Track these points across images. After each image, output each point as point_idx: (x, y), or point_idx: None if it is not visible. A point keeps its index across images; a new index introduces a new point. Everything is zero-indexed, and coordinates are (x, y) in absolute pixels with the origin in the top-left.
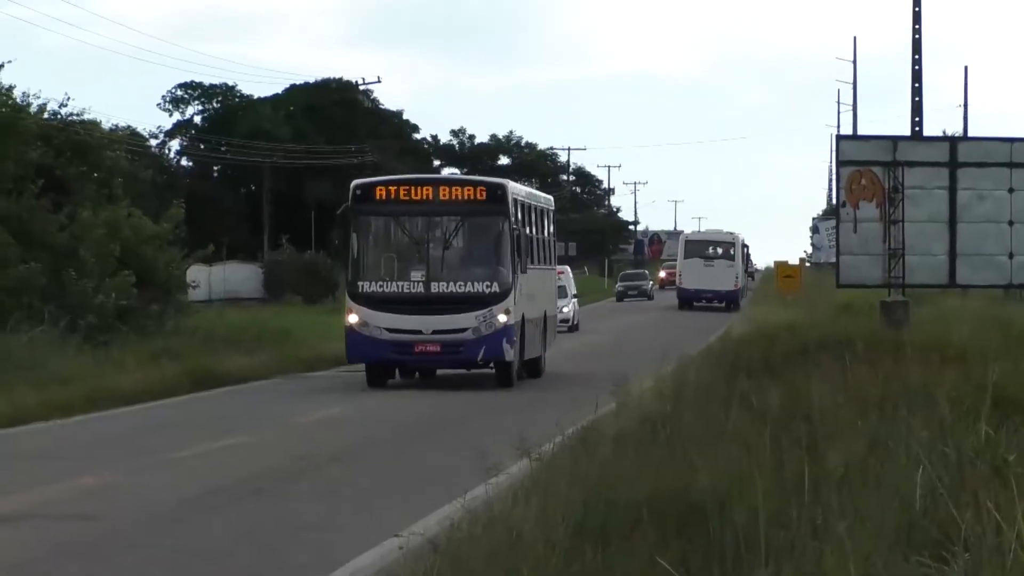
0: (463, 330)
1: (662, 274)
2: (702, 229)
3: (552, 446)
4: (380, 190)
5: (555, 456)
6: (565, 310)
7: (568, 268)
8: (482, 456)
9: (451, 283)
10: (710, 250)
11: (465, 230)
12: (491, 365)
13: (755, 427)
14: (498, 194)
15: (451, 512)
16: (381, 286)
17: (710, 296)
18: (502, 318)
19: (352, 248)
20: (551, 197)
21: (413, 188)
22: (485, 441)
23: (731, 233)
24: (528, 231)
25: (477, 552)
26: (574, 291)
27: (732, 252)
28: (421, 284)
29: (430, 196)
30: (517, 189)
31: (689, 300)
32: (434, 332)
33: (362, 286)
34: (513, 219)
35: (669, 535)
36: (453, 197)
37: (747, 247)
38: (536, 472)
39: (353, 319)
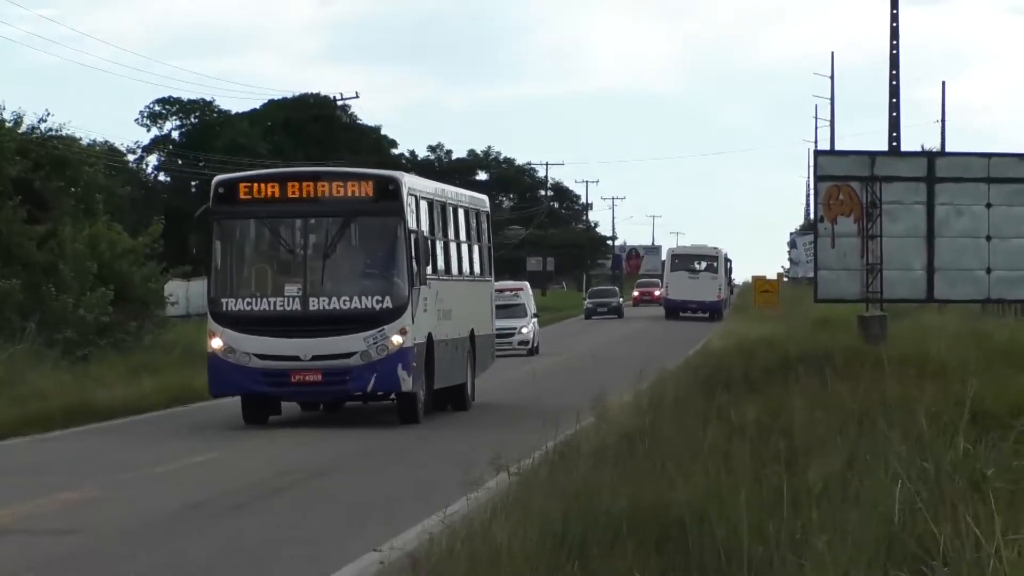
0: (349, 355)
1: (636, 292)
2: (684, 244)
3: (531, 460)
4: (246, 187)
5: (534, 470)
6: (524, 331)
7: (527, 285)
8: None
9: (334, 299)
10: (695, 263)
11: (351, 234)
12: (393, 397)
13: (734, 442)
14: (390, 189)
15: (430, 527)
16: (249, 304)
17: (695, 306)
18: (397, 339)
19: (214, 258)
20: (484, 198)
21: (286, 184)
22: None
23: (715, 248)
24: (445, 235)
25: (456, 567)
26: (534, 310)
27: (715, 265)
28: (297, 300)
29: (308, 193)
30: (419, 184)
31: (675, 310)
32: (314, 358)
33: (226, 304)
34: (411, 219)
35: (648, 550)
36: (335, 194)
37: (730, 261)
38: (515, 487)
39: (216, 344)
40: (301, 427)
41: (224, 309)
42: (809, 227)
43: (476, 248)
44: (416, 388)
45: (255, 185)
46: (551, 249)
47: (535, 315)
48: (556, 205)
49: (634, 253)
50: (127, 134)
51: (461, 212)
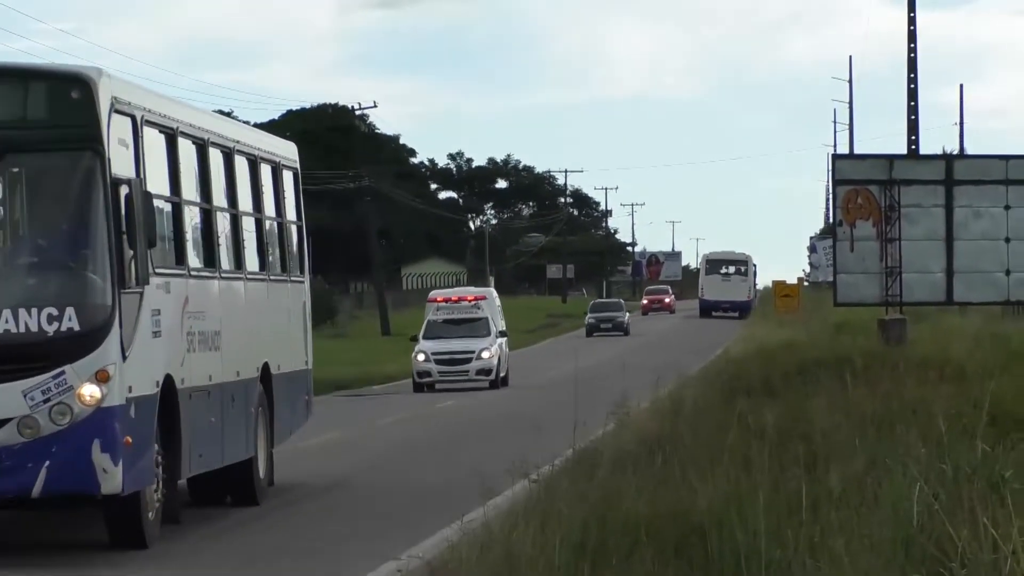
0: None
1: (645, 300)
2: (715, 250)
3: (551, 467)
4: None
5: (553, 477)
6: (485, 355)
7: (493, 292)
8: None
9: None
10: (726, 267)
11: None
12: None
13: (754, 447)
14: (73, 99)
15: (449, 535)
16: None
17: (727, 306)
18: (91, 391)
19: None
20: (292, 146)
21: None
22: None
23: (744, 253)
24: (206, 197)
25: (475, 574)
26: (501, 326)
27: (745, 269)
28: None
29: None
30: (145, 100)
31: (709, 310)
32: None
33: None
34: (120, 159)
35: (668, 555)
36: None
37: (755, 266)
38: (534, 494)
39: None
40: (321, 439)
41: None
42: (829, 231)
43: (274, 227)
44: (134, 484)
45: None
46: (571, 256)
47: (502, 334)
48: (576, 212)
49: (654, 259)
50: None
51: (242, 162)
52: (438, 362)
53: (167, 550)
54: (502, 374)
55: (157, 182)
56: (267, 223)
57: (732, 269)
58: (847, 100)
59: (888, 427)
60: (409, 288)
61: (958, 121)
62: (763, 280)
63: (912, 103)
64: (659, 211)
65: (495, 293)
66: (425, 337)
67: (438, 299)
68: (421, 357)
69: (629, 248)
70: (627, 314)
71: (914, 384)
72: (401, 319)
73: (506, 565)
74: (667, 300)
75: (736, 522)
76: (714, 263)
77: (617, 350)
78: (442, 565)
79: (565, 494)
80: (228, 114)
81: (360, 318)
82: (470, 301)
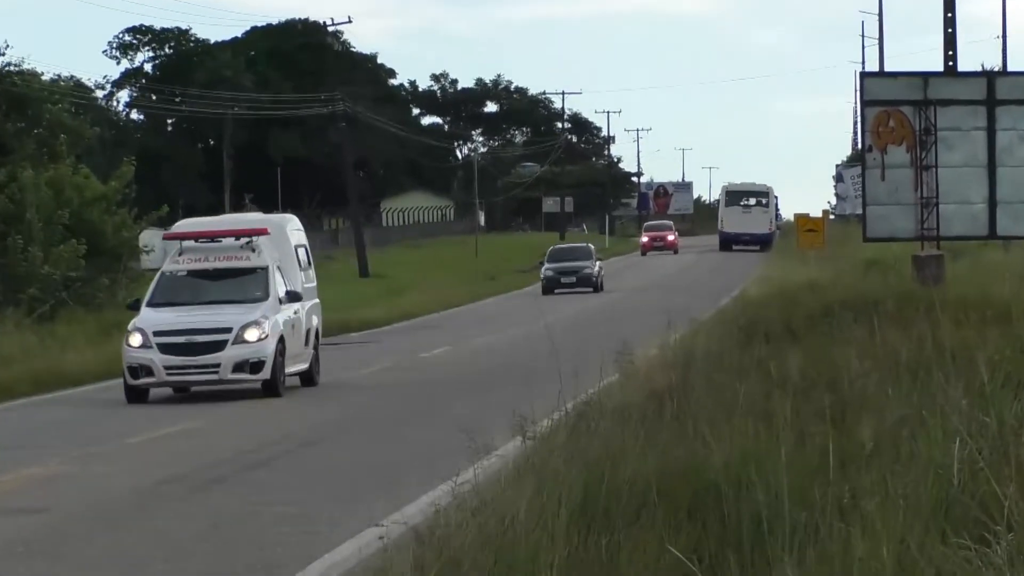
0: None
1: (644, 238)
2: (735, 181)
3: (548, 422)
4: None
5: (551, 433)
6: (251, 336)
7: (287, 223)
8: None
9: None
10: (747, 199)
11: None
12: None
13: (774, 398)
14: None
15: (437, 498)
16: None
17: (748, 239)
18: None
19: None
20: None
21: None
22: None
23: (765, 184)
24: None
25: (466, 542)
26: (287, 288)
27: (766, 201)
28: None
29: None
30: None
31: (729, 243)
32: None
33: None
34: None
35: (680, 519)
36: None
37: (776, 197)
38: (530, 452)
39: None
40: (293, 394)
41: None
42: (857, 158)
43: None
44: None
45: None
46: (570, 188)
47: (292, 298)
48: (574, 139)
49: (662, 190)
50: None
51: None
52: (165, 349)
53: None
54: (310, 373)
55: None
56: None
57: (753, 201)
58: (876, 11)
59: (924, 375)
60: (390, 224)
61: (1000, 34)
62: (785, 214)
63: (949, 14)
64: (667, 137)
65: (291, 225)
66: (151, 304)
67: (181, 234)
68: (136, 340)
69: (634, 179)
70: (598, 263)
71: (952, 327)
72: (381, 259)
73: (499, 531)
74: (670, 238)
75: (756, 481)
76: (733, 195)
77: (596, 304)
78: (429, 532)
79: (564, 452)
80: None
81: (335, 258)
82: (237, 240)
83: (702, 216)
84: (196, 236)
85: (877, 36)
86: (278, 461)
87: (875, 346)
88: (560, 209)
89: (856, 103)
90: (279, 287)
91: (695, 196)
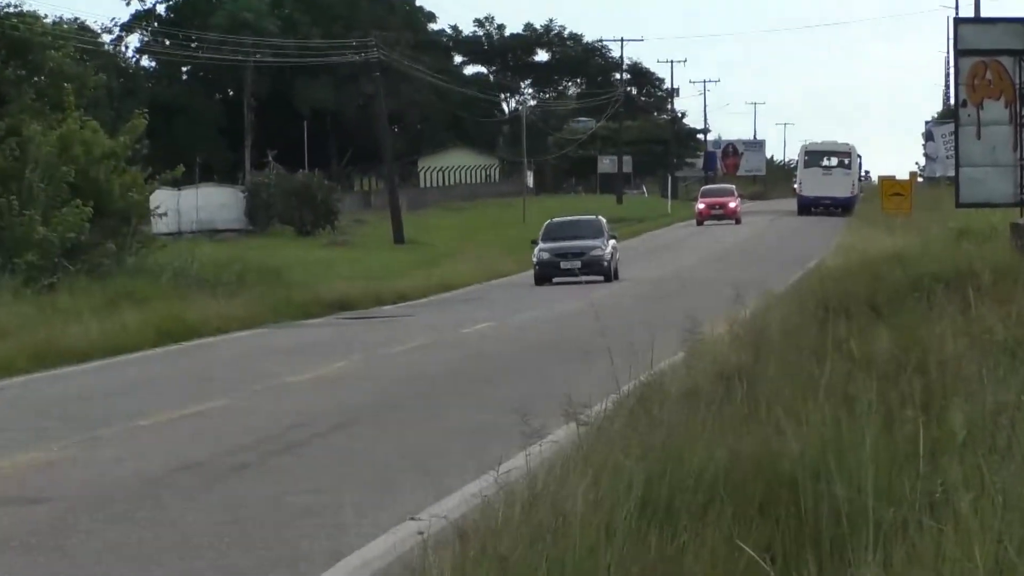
0: None
1: (701, 205)
2: (815, 140)
3: (606, 407)
4: None
5: (608, 418)
6: None
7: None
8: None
9: None
10: (827, 159)
11: None
12: None
13: (857, 381)
14: None
15: (482, 489)
16: None
17: (828, 202)
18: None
19: None
20: None
21: None
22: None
23: (847, 144)
24: None
25: (514, 539)
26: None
27: (847, 161)
28: None
29: None
30: None
31: (807, 206)
32: None
33: None
34: None
35: (751, 514)
36: None
37: (860, 157)
38: (586, 440)
39: None
40: (321, 372)
41: None
42: (949, 114)
43: None
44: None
45: None
46: (628, 146)
47: None
48: (634, 91)
49: (731, 149)
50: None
51: None
52: None
53: None
54: None
55: None
56: None
57: (834, 161)
58: None
59: (1023, 357)
60: (428, 185)
61: None
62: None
63: None
64: (737, 91)
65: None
66: None
67: None
68: None
69: (700, 136)
70: (611, 242)
71: None
72: (418, 223)
73: (551, 527)
74: (732, 205)
75: (836, 473)
76: (813, 155)
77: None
78: (473, 527)
79: (623, 439)
80: None
81: (367, 222)
82: None
83: (775, 177)
84: None
85: None
86: (305, 446)
87: (969, 324)
88: (617, 169)
89: (949, 53)
90: None
91: (767, 156)
